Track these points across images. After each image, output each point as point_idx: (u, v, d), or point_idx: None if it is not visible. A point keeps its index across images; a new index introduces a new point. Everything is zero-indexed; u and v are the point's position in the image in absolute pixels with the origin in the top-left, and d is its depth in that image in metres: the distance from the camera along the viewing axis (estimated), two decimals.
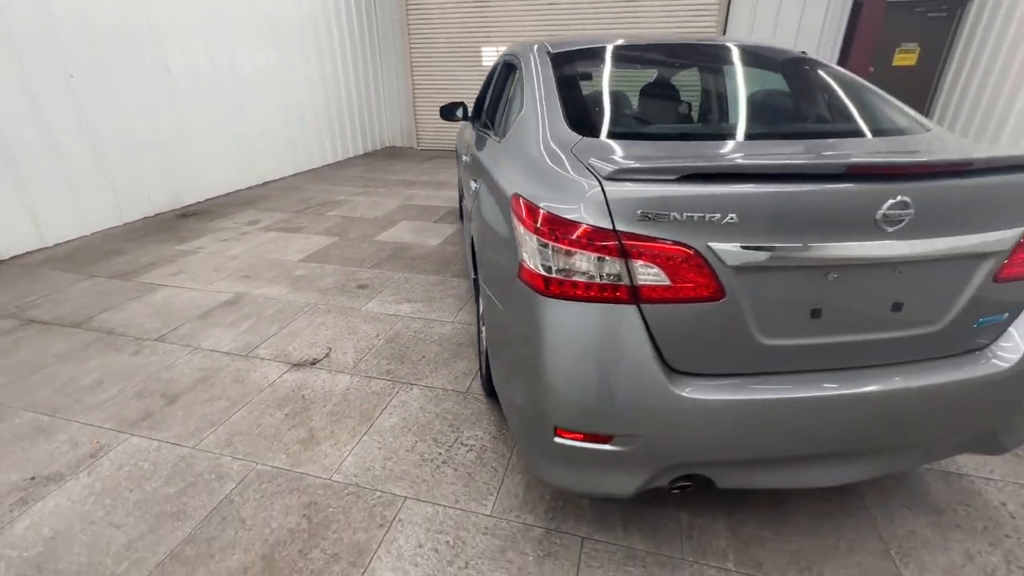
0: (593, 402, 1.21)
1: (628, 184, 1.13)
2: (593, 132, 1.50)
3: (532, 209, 1.25)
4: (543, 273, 1.21)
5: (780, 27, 7.14)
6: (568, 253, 1.17)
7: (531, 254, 1.24)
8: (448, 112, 3.34)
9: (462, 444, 1.93)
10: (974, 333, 1.32)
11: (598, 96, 1.75)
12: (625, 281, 1.15)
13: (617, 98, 1.84)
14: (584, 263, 1.16)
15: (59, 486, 1.73)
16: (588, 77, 1.88)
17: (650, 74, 2.09)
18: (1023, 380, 1.33)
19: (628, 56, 2.05)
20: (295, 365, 2.44)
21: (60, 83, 4.00)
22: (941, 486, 1.74)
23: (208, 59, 5.34)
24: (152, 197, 4.86)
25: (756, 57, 2.05)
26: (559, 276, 1.19)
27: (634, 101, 1.97)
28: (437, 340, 2.66)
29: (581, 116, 1.59)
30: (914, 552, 1.50)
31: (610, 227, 1.13)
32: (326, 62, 7.35)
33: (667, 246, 1.12)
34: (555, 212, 1.19)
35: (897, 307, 1.24)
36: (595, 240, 1.14)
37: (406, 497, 1.69)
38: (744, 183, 1.11)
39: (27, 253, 3.88)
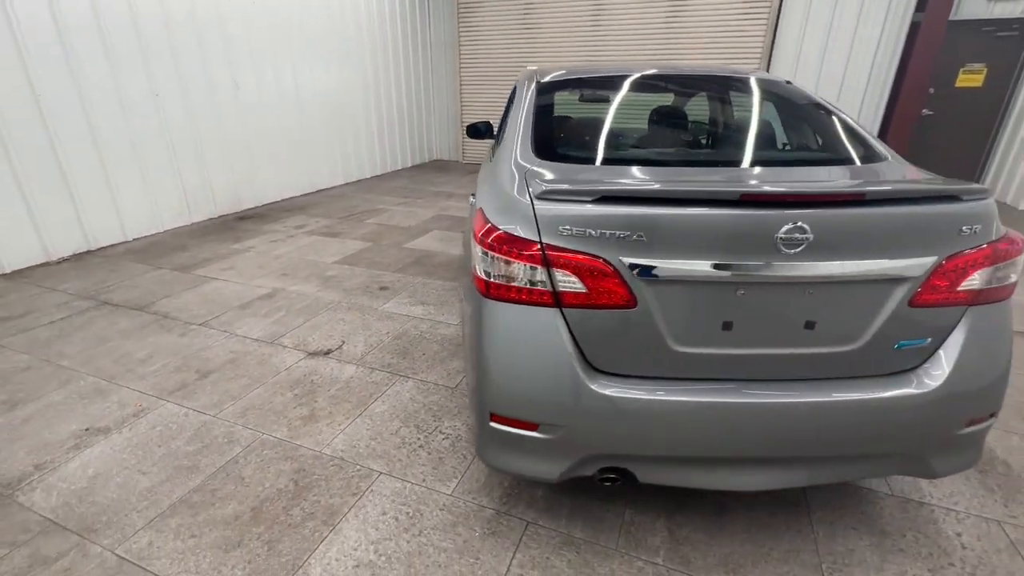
0: (521, 393, 1.38)
1: (554, 204, 1.30)
2: (551, 156, 1.68)
3: (482, 221, 1.45)
4: (485, 278, 1.40)
5: (831, 43, 6.97)
6: (505, 261, 1.35)
7: (478, 261, 1.43)
8: (473, 131, 3.61)
9: (440, 432, 2.13)
10: (897, 355, 1.37)
11: (566, 123, 1.93)
12: (549, 287, 1.32)
13: (581, 125, 2.01)
14: (516, 270, 1.34)
15: (106, 437, 2.09)
16: (564, 105, 2.05)
17: (624, 102, 2.24)
18: (948, 405, 1.37)
19: (606, 85, 2.21)
20: (311, 354, 2.74)
21: (148, 100, 4.63)
22: (896, 512, 1.75)
23: (273, 77, 5.94)
24: (217, 200, 5.45)
25: (728, 86, 2.15)
26: (497, 280, 1.37)
27: (601, 128, 2.12)
28: (439, 340, 2.89)
29: (546, 142, 1.78)
30: (846, 568, 1.54)
31: (537, 240, 1.31)
32: (381, 80, 7.89)
33: (584, 258, 1.28)
34: (496, 225, 1.38)
35: (810, 325, 1.33)
36: (524, 250, 1.31)
37: (381, 472, 1.91)
38: (651, 206, 1.25)
39: (111, 245, 4.49)
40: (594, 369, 1.37)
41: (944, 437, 1.41)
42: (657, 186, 1.36)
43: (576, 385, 1.34)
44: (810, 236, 1.22)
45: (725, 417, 1.34)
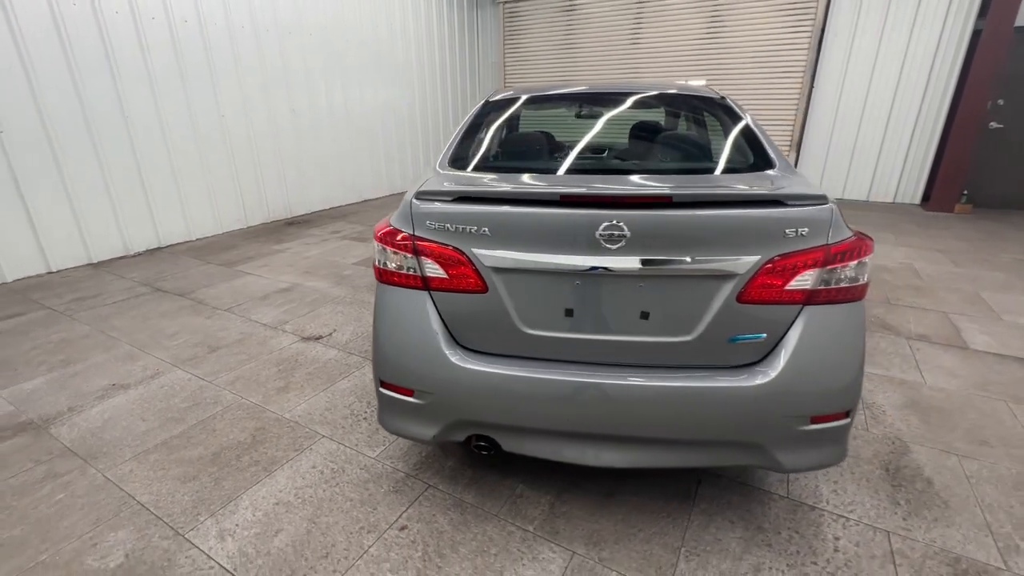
0: (400, 362, 1.62)
1: (424, 203, 1.55)
2: (460, 166, 1.92)
3: (385, 222, 1.72)
4: (378, 265, 1.67)
5: (883, 57, 6.63)
6: (386, 251, 1.61)
7: (374, 252, 1.70)
8: None
9: None
10: (733, 349, 1.47)
11: (487, 137, 2.16)
12: (418, 273, 1.56)
13: (498, 139, 2.21)
14: (395, 258, 1.60)
15: (124, 392, 2.57)
16: (496, 121, 2.28)
17: (551, 117, 2.43)
18: (782, 400, 1.44)
19: (543, 102, 2.42)
20: (303, 339, 3.14)
21: (215, 121, 5.41)
22: (783, 512, 1.79)
23: (325, 99, 6.65)
24: (270, 207, 6.18)
25: (660, 102, 2.29)
26: (383, 267, 1.64)
27: (513, 140, 2.31)
28: None
29: (463, 153, 2.03)
30: (704, 554, 1.62)
31: (410, 232, 1.56)
32: (427, 99, 8.48)
33: (443, 248, 1.51)
34: (389, 222, 1.65)
35: (644, 315, 1.47)
36: (400, 241, 1.57)
37: (324, 436, 2.21)
38: (492, 205, 1.47)
39: (177, 243, 5.26)
40: (459, 345, 1.59)
41: (784, 431, 1.48)
42: (499, 188, 1.57)
43: (441, 358, 1.56)
44: (627, 234, 1.38)
45: (568, 395, 1.50)
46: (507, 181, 1.66)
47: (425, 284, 1.57)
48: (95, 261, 4.66)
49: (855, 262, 1.43)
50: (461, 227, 1.49)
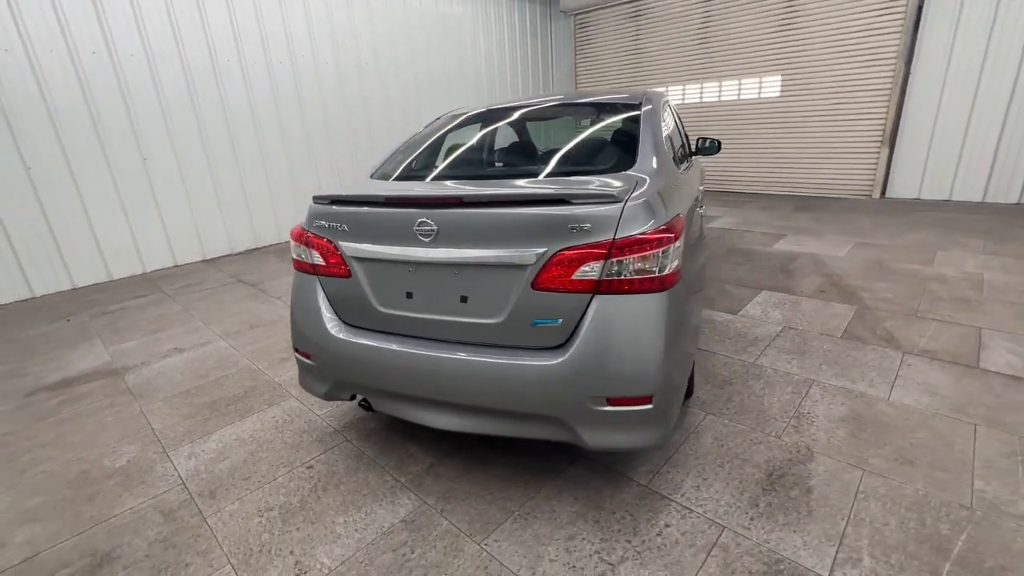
0: (301, 332, 2.05)
1: (316, 205, 1.96)
2: (379, 176, 2.31)
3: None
4: (292, 255, 2.12)
5: (1002, 18, 5.64)
6: (295, 244, 2.05)
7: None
8: None
9: None
10: (536, 331, 1.65)
11: (414, 151, 2.49)
12: (309, 261, 1.98)
13: (417, 151, 2.51)
14: (296, 249, 2.03)
15: (180, 354, 3.38)
16: (431, 137, 2.61)
17: (474, 131, 2.67)
18: (574, 380, 1.59)
19: (477, 119, 2.69)
20: None
21: (303, 147, 6.48)
22: (632, 498, 1.87)
23: (402, 119, 7.50)
24: None
25: (577, 111, 2.46)
26: (294, 256, 2.09)
27: (426, 153, 2.57)
28: None
29: (387, 164, 2.40)
30: (532, 519, 1.79)
31: (305, 229, 1.99)
32: None
33: (321, 241, 1.91)
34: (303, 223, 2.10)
35: (464, 299, 1.72)
36: (299, 237, 2.01)
37: (293, 397, 2.74)
38: (348, 207, 1.82)
39: (269, 245, 6.39)
40: (340, 319, 1.97)
41: (582, 410, 1.61)
42: (356, 192, 1.91)
43: (323, 329, 1.96)
44: (436, 229, 1.65)
45: (409, 365, 1.80)
46: (381, 187, 2.02)
47: (314, 270, 1.98)
48: (208, 258, 5.90)
49: (642, 255, 1.53)
50: (332, 224, 1.88)
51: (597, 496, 1.89)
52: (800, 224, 5.85)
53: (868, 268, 4.16)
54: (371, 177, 2.34)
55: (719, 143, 4.00)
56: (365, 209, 1.81)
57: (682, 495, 1.87)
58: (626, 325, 1.57)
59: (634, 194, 1.62)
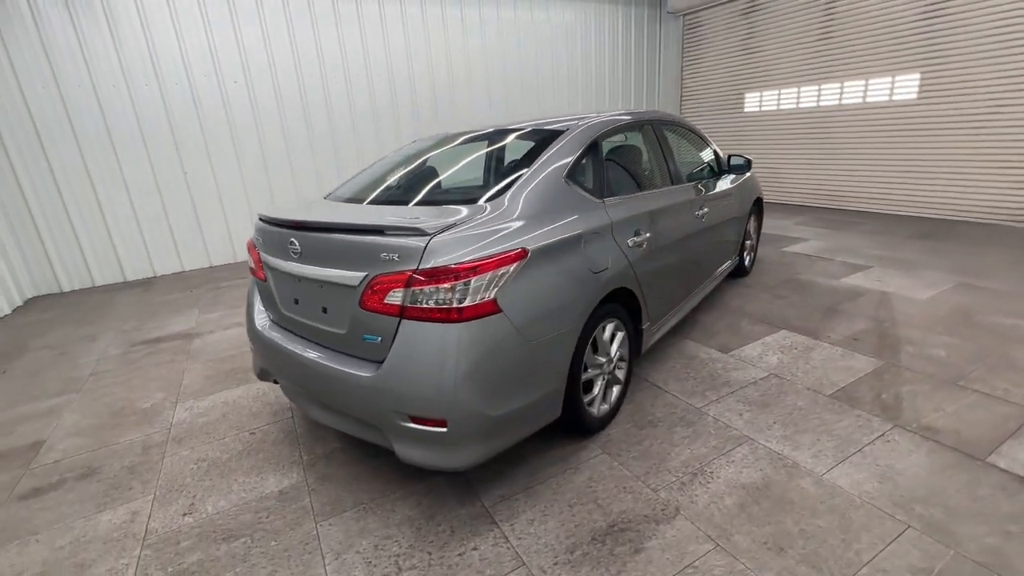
0: (248, 324, 2.51)
1: (258, 222, 2.39)
2: (329, 196, 2.66)
3: None
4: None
5: None
6: (247, 252, 2.51)
7: None
8: None
9: None
10: (367, 345, 1.83)
11: (365, 174, 2.77)
12: (250, 266, 2.41)
13: (367, 175, 2.75)
14: (248, 256, 2.49)
15: (238, 328, 4.19)
16: (386, 161, 2.87)
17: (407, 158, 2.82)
18: (379, 395, 1.75)
19: (424, 146, 2.86)
20: None
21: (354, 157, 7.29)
22: (466, 516, 1.95)
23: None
24: None
25: (485, 140, 2.56)
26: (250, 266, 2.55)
27: (368, 177, 2.76)
28: None
29: (340, 187, 2.74)
30: (370, 511, 1.98)
31: (252, 239, 2.43)
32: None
33: (255, 251, 2.33)
34: None
35: (324, 310, 1.97)
36: (250, 245, 2.45)
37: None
38: (262, 224, 2.19)
39: None
40: (267, 315, 2.37)
41: (391, 422, 1.76)
42: (266, 213, 2.25)
43: (252, 323, 2.38)
44: (299, 249, 1.93)
45: (290, 361, 2.12)
46: (292, 209, 2.35)
47: (252, 273, 2.41)
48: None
49: (439, 286, 1.62)
50: (257, 237, 2.28)
51: (438, 507, 2.00)
52: (902, 254, 4.86)
53: (944, 318, 3.37)
54: (324, 197, 2.71)
55: (749, 161, 3.64)
56: (267, 227, 2.17)
57: (511, 525, 1.88)
58: (424, 350, 1.68)
59: (446, 228, 1.71)
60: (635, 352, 2.65)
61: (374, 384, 1.77)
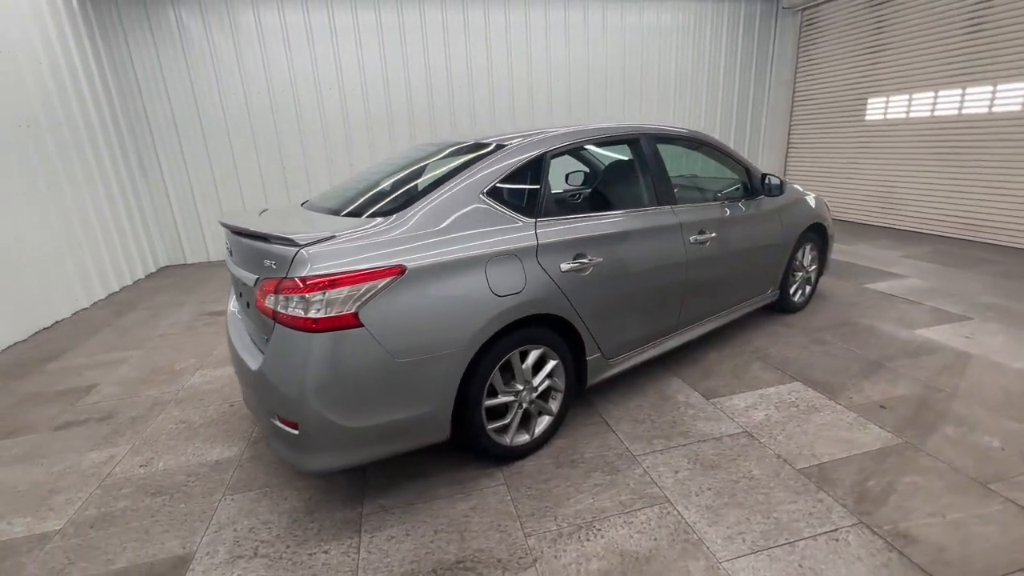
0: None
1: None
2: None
3: None
4: None
5: None
6: None
7: None
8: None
9: None
10: (263, 341, 1.97)
11: (347, 184, 2.91)
12: None
13: (340, 184, 2.86)
14: None
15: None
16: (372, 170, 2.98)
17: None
18: (258, 391, 1.87)
19: (405, 154, 2.90)
20: None
21: None
22: (341, 519, 2.01)
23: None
24: None
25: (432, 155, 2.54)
26: None
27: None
28: None
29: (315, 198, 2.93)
30: (270, 493, 2.13)
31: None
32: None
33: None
34: None
35: (248, 305, 2.16)
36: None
37: None
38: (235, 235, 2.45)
39: None
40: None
41: (263, 416, 1.89)
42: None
43: (228, 310, 2.69)
44: (230, 249, 2.13)
45: (231, 346, 2.35)
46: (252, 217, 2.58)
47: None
48: None
49: (298, 295, 1.70)
50: (225, 245, 2.56)
51: (323, 504, 2.09)
52: (1022, 307, 3.79)
53: None
54: (300, 205, 2.92)
55: (783, 183, 3.19)
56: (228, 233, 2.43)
57: (371, 537, 1.89)
58: (285, 354, 1.77)
59: (320, 241, 1.77)
60: (578, 384, 2.47)
61: (256, 378, 1.91)
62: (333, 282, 1.72)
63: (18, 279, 4.33)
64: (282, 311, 1.77)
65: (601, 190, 2.65)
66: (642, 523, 1.89)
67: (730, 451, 2.28)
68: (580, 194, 2.99)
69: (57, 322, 4.69)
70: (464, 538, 1.87)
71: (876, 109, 6.81)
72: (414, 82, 7.04)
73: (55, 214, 4.83)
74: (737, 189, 3.29)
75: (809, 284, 3.98)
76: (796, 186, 3.98)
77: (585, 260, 2.31)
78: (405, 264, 1.83)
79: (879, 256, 5.49)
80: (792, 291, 3.79)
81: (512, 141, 2.36)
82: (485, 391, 2.09)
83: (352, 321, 1.74)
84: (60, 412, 2.99)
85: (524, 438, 2.29)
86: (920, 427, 2.39)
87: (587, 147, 2.62)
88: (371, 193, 2.42)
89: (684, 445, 2.35)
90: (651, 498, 2.02)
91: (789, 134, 8.40)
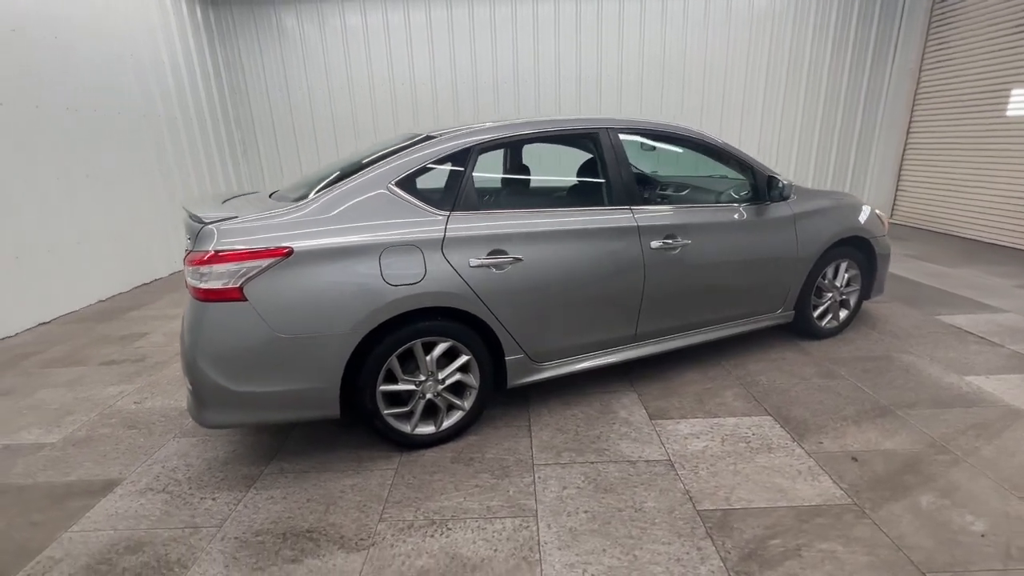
0: None
1: None
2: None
3: None
4: None
5: None
6: None
7: None
8: None
9: None
10: None
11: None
12: None
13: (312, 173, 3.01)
14: None
15: None
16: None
17: None
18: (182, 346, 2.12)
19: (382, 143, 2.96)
20: None
21: None
22: (228, 486, 2.22)
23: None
24: None
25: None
26: None
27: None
28: None
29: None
30: (205, 442, 2.42)
31: None
32: (820, 127, 7.50)
33: None
34: None
35: None
36: None
37: None
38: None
39: None
40: None
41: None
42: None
43: None
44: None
45: None
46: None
47: None
48: None
49: (193, 267, 1.90)
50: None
51: (238, 458, 2.31)
52: None
53: None
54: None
55: (786, 186, 2.81)
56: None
57: (254, 494, 2.07)
58: (188, 320, 1.99)
59: (221, 220, 1.96)
60: (496, 383, 2.42)
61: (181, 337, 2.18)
62: (222, 257, 1.90)
63: (129, 242, 5.31)
64: (188, 281, 1.99)
65: (544, 187, 2.54)
66: (494, 532, 1.82)
67: (636, 477, 2.08)
68: (517, 190, 2.87)
69: (155, 279, 5.66)
70: (328, 511, 1.96)
71: (1020, 102, 5.48)
72: (481, 76, 7.20)
73: (163, 190, 5.82)
74: (735, 193, 2.92)
75: (846, 308, 3.39)
76: (842, 192, 3.41)
77: (504, 258, 2.24)
78: (293, 247, 1.96)
79: (983, 283, 4.46)
80: (817, 314, 3.27)
81: (444, 134, 2.36)
82: (380, 376, 2.15)
83: (236, 295, 1.91)
84: (112, 352, 3.64)
85: (429, 429, 2.32)
86: (888, 490, 1.95)
87: (533, 142, 2.52)
88: (315, 181, 2.60)
89: (592, 463, 2.19)
90: (520, 509, 1.93)
91: (908, 132, 7.10)
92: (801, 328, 3.30)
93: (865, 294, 3.43)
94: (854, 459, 2.15)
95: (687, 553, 1.69)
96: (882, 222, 3.39)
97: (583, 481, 2.07)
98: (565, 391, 2.79)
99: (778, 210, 2.93)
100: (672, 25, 7.02)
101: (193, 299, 1.97)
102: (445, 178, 2.29)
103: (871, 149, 7.53)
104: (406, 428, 2.27)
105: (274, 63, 7.21)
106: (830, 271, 3.21)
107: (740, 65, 7.17)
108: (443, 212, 2.21)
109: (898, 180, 7.26)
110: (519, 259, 2.27)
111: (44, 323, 4.30)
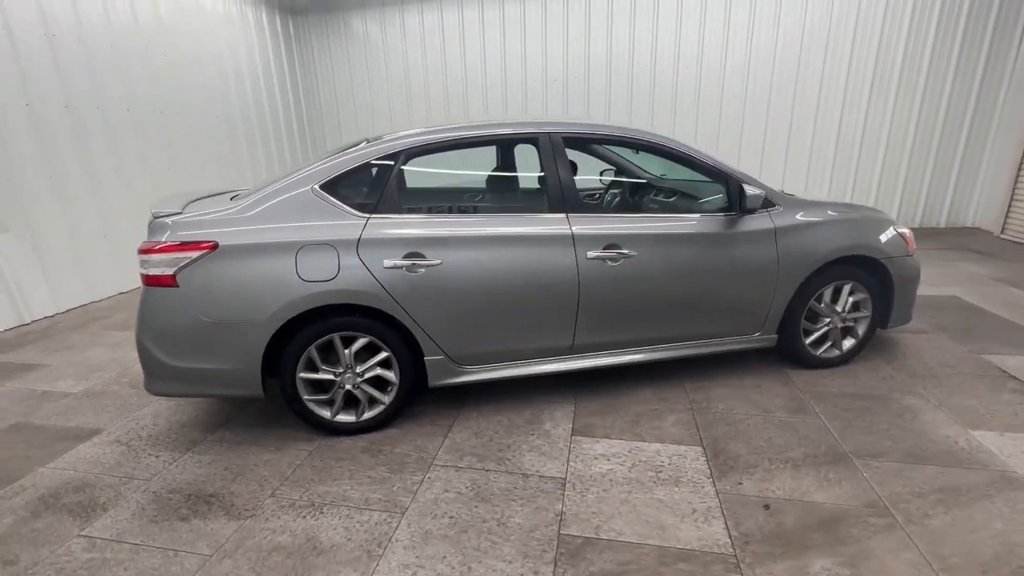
0: None
1: None
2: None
3: None
4: None
5: None
6: None
7: None
8: None
9: None
10: None
11: None
12: None
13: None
14: None
15: None
16: None
17: None
18: None
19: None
20: None
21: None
22: (172, 456, 2.53)
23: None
24: None
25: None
26: None
27: None
28: None
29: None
30: (200, 418, 2.79)
31: None
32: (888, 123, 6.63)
33: None
34: None
35: None
36: None
37: None
38: None
39: None
40: None
41: None
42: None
43: None
44: None
45: None
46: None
47: None
48: None
49: (141, 256, 2.20)
50: None
51: (196, 424, 2.63)
52: None
53: None
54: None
55: (760, 196, 2.56)
56: None
57: (188, 456, 2.35)
58: (140, 302, 2.30)
59: (167, 215, 2.23)
60: (415, 382, 2.49)
61: None
62: (162, 248, 2.17)
63: None
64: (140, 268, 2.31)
65: (477, 191, 2.53)
66: (359, 522, 1.91)
67: (520, 491, 2.05)
68: (448, 195, 2.85)
69: None
70: (235, 481, 2.18)
71: None
72: (550, 70, 7.20)
73: (236, 180, 6.59)
74: (702, 202, 2.68)
75: (852, 336, 2.96)
76: (859, 205, 2.99)
77: (419, 260, 2.30)
78: (219, 241, 2.18)
79: None
80: (810, 341, 2.90)
81: (386, 139, 2.45)
82: (300, 364, 2.33)
83: (170, 281, 2.18)
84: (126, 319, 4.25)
85: (350, 418, 2.46)
86: (782, 547, 1.73)
87: (467, 147, 2.52)
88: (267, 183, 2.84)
89: (487, 470, 2.19)
90: (393, 505, 2.00)
91: None
92: (791, 354, 2.95)
93: (880, 322, 2.97)
94: (766, 506, 1.92)
95: (521, 575, 1.66)
96: (906, 241, 2.91)
97: (467, 487, 2.09)
98: (503, 396, 2.78)
99: (754, 222, 2.65)
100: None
101: (142, 284, 2.28)
102: (365, 182, 2.40)
103: (982, 158, 6.36)
104: (326, 414, 2.44)
105: (342, 63, 7.80)
106: (827, 293, 2.83)
107: (841, 60, 6.42)
108: (364, 215, 2.32)
109: (1012, 192, 6.05)
110: (436, 263, 2.32)
111: (123, 292, 5.13)
